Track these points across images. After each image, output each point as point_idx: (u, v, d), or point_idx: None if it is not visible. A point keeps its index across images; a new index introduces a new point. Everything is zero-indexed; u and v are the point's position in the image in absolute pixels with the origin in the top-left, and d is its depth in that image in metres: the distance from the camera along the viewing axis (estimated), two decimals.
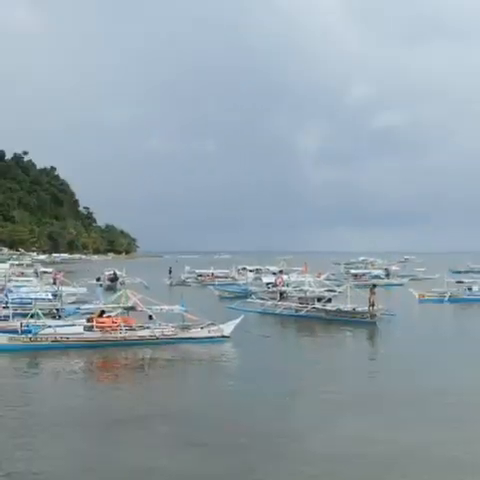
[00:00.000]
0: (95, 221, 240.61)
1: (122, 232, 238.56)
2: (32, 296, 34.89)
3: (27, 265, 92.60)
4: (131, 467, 11.81)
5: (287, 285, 43.32)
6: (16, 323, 25.93)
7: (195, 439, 13.44)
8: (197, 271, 73.27)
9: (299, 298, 38.06)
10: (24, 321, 25.63)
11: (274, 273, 60.97)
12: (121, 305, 26.83)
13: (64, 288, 39.62)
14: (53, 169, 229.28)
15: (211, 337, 26.10)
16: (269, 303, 38.87)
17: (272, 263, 77.72)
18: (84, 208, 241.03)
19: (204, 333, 26.27)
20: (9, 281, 46.70)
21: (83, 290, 44.34)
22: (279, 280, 46.07)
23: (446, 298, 47.42)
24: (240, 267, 75.67)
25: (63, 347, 24.17)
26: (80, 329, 25.21)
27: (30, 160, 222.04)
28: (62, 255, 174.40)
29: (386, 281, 68.14)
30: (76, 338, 24.71)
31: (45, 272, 67.41)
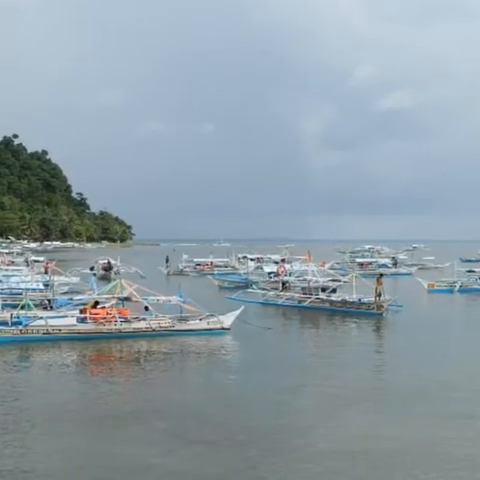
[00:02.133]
0: (89, 208, 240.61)
1: (117, 219, 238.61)
2: (22, 286, 35.04)
3: (17, 254, 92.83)
4: (126, 465, 11.82)
5: (290, 275, 43.38)
6: (6, 314, 25.93)
7: (193, 436, 13.46)
8: (195, 260, 73.35)
9: (302, 288, 38.12)
10: (14, 312, 25.65)
11: (276, 262, 61.01)
12: (116, 295, 26.82)
13: (56, 278, 39.63)
14: (45, 153, 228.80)
15: (210, 329, 26.12)
16: (271, 293, 38.92)
17: (274, 252, 77.71)
18: (77, 194, 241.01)
19: (203, 325, 26.28)
20: None
21: (76, 280, 44.47)
22: (281, 269, 46.11)
23: (456, 288, 47.50)
24: (240, 256, 75.76)
25: (55, 339, 24.19)
26: (73, 321, 25.22)
27: (21, 143, 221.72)
28: (54, 243, 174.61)
29: (393, 270, 68.31)
30: (68, 330, 24.73)
31: (36, 261, 67.48)
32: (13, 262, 68.18)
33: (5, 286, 35.73)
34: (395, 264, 74.00)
